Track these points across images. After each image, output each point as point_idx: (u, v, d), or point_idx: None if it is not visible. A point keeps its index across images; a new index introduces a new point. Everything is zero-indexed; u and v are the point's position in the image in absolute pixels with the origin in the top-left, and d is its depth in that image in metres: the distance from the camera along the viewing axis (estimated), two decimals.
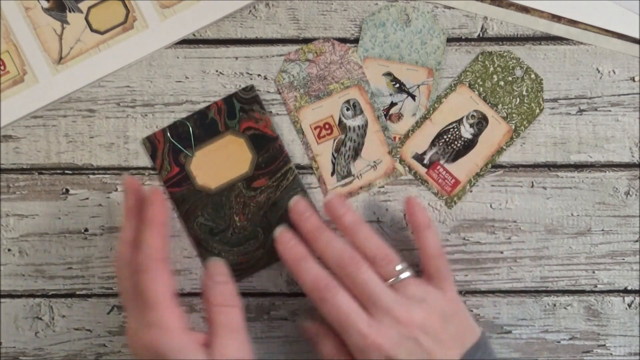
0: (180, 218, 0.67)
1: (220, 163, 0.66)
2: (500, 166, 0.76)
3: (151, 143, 0.68)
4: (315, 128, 0.75)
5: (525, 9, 0.75)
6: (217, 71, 0.75)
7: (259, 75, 0.75)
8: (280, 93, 0.75)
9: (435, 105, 0.75)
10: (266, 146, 0.67)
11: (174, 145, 0.66)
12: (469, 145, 0.75)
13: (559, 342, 0.76)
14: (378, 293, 0.61)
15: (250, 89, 0.67)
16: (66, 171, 0.76)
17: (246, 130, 0.66)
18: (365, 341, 0.60)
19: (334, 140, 0.75)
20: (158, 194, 0.62)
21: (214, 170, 0.66)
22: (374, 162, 0.76)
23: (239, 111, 0.66)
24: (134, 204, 0.65)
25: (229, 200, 0.66)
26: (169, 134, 0.67)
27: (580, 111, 0.76)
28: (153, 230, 0.61)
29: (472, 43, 0.75)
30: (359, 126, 0.75)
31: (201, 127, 0.66)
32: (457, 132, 0.75)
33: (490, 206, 0.76)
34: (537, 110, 0.75)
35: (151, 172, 0.75)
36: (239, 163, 0.66)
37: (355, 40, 0.75)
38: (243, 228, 0.66)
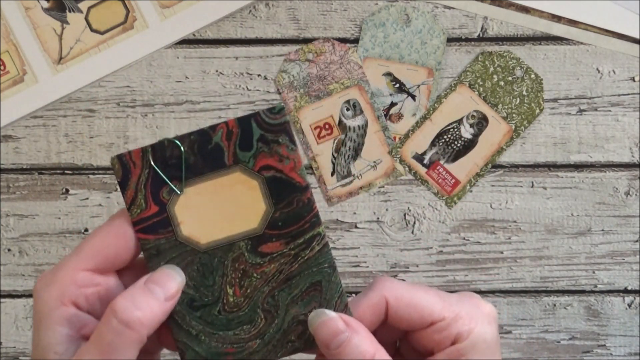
0: None
1: (219, 210, 0.46)
2: (500, 166, 0.76)
3: (123, 165, 0.45)
4: (315, 128, 0.75)
5: (525, 9, 0.75)
6: (217, 71, 0.75)
7: (258, 75, 0.75)
8: (280, 93, 0.75)
9: (435, 105, 0.75)
10: (289, 197, 0.46)
11: (155, 174, 0.46)
12: (469, 145, 0.75)
13: (559, 342, 0.76)
14: None
15: (279, 110, 0.45)
16: (66, 171, 0.76)
17: (264, 169, 0.46)
18: None
19: (334, 140, 0.75)
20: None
21: (208, 219, 0.46)
22: (374, 162, 0.76)
23: (258, 140, 0.46)
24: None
25: (222, 264, 0.46)
26: (150, 157, 0.45)
27: (580, 111, 0.76)
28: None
29: (472, 43, 0.75)
30: (359, 126, 0.75)
31: (199, 153, 0.45)
32: (457, 132, 0.75)
33: (490, 206, 0.76)
34: (537, 110, 0.75)
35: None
36: (245, 214, 0.46)
37: (355, 40, 0.75)
38: (237, 306, 0.46)
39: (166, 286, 0.43)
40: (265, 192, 0.46)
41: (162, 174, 0.45)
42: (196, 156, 0.45)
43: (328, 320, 0.43)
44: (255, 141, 0.46)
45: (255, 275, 0.46)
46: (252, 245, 0.46)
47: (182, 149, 0.45)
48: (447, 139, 0.75)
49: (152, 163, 0.45)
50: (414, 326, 0.44)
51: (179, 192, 0.46)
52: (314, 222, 0.46)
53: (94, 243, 0.42)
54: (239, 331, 0.46)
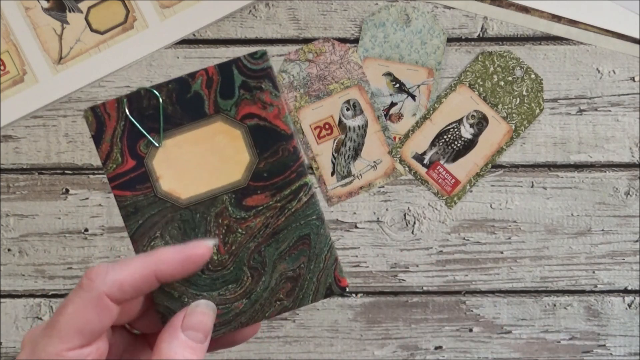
0: (129, 238, 0.44)
1: (200, 162, 0.44)
2: (500, 166, 0.76)
3: (97, 117, 0.43)
4: (315, 128, 0.75)
5: (525, 9, 0.75)
6: None
7: None
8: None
9: (435, 105, 0.75)
10: (274, 146, 0.44)
11: (132, 126, 0.44)
12: (469, 145, 0.75)
13: (559, 342, 0.76)
14: None
15: (261, 55, 0.43)
16: (66, 171, 0.76)
17: (246, 118, 0.44)
18: None
19: (334, 140, 0.75)
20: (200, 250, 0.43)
21: (188, 172, 0.44)
22: (374, 162, 0.76)
23: (240, 87, 0.44)
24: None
25: (205, 219, 0.44)
26: (126, 108, 0.43)
27: (580, 111, 0.76)
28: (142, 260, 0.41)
29: (472, 43, 0.75)
30: (359, 126, 0.75)
31: (178, 103, 0.43)
32: (457, 132, 0.75)
33: (490, 206, 0.76)
34: (537, 110, 0.75)
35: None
36: (228, 166, 0.44)
37: (355, 40, 0.75)
38: (222, 264, 0.44)
39: (204, 328, 0.42)
40: (249, 142, 0.44)
41: (138, 126, 0.43)
42: (175, 106, 0.43)
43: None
44: (236, 88, 0.44)
45: (240, 230, 0.44)
46: (236, 199, 0.44)
47: (160, 98, 0.43)
48: (447, 139, 0.75)
49: (128, 114, 0.43)
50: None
51: (157, 145, 0.44)
52: (300, 172, 0.44)
53: (74, 320, 0.39)
54: (224, 291, 0.44)
